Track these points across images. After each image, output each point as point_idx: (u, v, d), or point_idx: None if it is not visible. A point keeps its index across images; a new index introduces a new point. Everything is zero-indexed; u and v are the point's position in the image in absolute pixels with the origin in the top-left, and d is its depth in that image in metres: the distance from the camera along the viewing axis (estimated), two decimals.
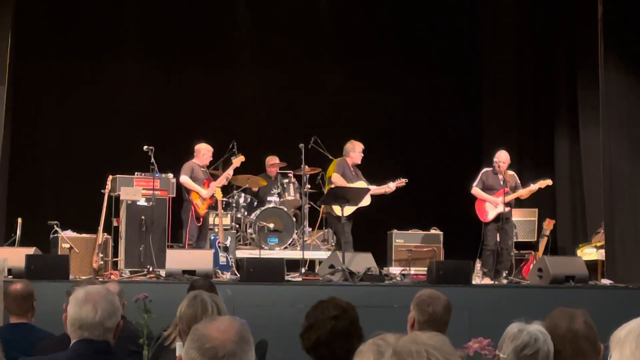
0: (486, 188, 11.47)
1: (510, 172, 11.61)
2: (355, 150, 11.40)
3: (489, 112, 15.06)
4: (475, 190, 11.47)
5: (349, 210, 11.03)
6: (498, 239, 11.36)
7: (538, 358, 3.25)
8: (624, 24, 11.61)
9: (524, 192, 11.52)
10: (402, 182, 11.46)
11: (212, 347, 2.39)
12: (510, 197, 11.37)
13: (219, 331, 2.43)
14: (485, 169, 11.68)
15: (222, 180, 11.43)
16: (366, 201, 11.21)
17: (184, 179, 11.17)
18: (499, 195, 11.35)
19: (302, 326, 4.04)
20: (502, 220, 11.29)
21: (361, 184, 11.26)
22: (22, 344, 5.11)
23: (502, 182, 11.40)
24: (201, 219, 11.20)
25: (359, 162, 11.43)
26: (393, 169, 12.20)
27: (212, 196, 11.27)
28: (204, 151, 11.39)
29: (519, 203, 12.98)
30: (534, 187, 11.50)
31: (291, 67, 14.63)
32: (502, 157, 11.50)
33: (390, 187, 11.41)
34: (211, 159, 11.54)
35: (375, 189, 11.33)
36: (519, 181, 11.63)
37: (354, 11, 15.00)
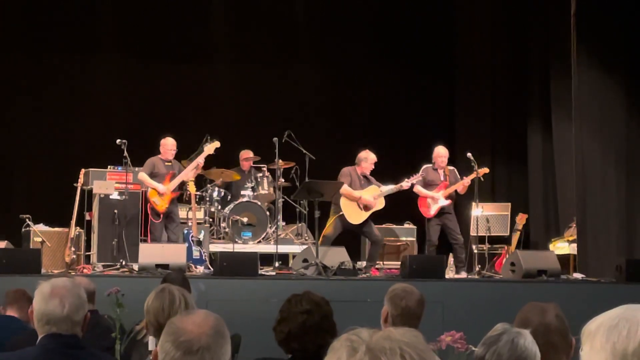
0: (427, 184, 11.57)
1: (450, 168, 11.77)
2: (367, 161, 11.30)
3: (463, 107, 15.11)
4: (417, 188, 11.53)
5: (362, 217, 11.12)
6: (454, 238, 11.47)
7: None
8: (597, 19, 11.68)
9: (458, 186, 11.57)
10: (418, 176, 11.42)
11: (186, 340, 2.39)
12: (448, 191, 11.48)
13: (194, 325, 2.43)
14: (425, 166, 11.75)
15: (189, 171, 11.22)
16: (380, 204, 11.24)
17: (141, 175, 11.07)
18: (439, 190, 11.51)
19: (275, 319, 4.05)
20: (446, 216, 11.44)
21: (373, 189, 11.22)
22: (6, 334, 5.14)
23: (442, 177, 11.57)
24: (161, 215, 11.10)
25: (368, 173, 11.37)
26: None
27: (175, 190, 11.14)
28: (169, 146, 11.22)
29: (492, 198, 13.09)
30: (467, 179, 11.54)
31: (265, 61, 14.62)
32: (440, 152, 11.67)
33: (404, 186, 11.31)
34: (175, 150, 11.34)
35: (389, 189, 11.29)
36: (458, 176, 11.73)
37: (328, 6, 14.99)
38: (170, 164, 11.27)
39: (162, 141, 11.32)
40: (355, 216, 11.14)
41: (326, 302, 4.08)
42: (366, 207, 11.17)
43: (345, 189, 11.05)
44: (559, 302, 3.66)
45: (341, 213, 11.07)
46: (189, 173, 11.25)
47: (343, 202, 11.07)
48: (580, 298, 9.10)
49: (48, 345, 3.43)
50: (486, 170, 11.84)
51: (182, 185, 11.53)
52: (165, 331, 2.46)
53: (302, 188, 11.02)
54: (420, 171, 11.64)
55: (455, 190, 11.60)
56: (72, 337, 3.46)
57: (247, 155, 12.79)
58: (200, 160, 11.28)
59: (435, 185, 11.58)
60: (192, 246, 11.03)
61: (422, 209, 11.59)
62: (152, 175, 11.08)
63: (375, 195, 11.18)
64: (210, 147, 11.30)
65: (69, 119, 13.67)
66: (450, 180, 11.60)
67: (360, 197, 11.10)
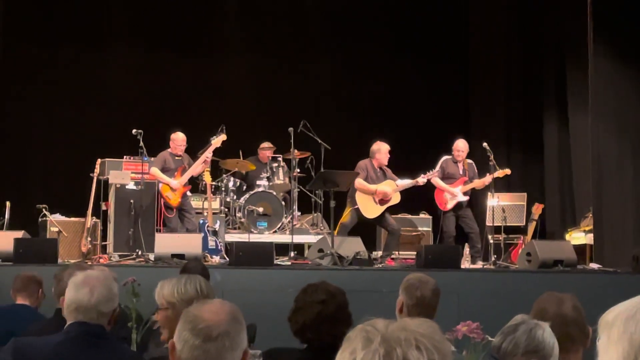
0: (445, 177, 11.54)
1: (469, 161, 11.75)
2: (381, 152, 11.25)
3: (478, 97, 15.08)
4: (435, 180, 11.48)
5: (377, 211, 11.08)
6: (470, 227, 11.47)
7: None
8: (614, 10, 11.60)
9: (478, 184, 11.58)
10: (434, 173, 11.35)
11: (206, 327, 2.44)
12: (467, 187, 11.51)
13: (211, 312, 2.48)
14: (445, 157, 11.70)
15: (198, 165, 11.32)
16: (396, 199, 11.22)
17: (153, 170, 11.13)
18: (458, 184, 11.49)
19: (290, 309, 4.05)
20: (461, 208, 11.45)
21: (389, 183, 11.19)
22: (20, 323, 5.19)
23: (461, 171, 11.53)
24: (175, 209, 11.17)
25: (386, 163, 11.34)
26: None
27: (186, 184, 11.22)
28: (179, 141, 11.30)
29: (508, 188, 13.06)
30: (487, 178, 11.52)
31: (280, 51, 14.62)
32: (460, 146, 11.62)
33: (420, 182, 11.22)
34: (185, 145, 11.41)
35: (405, 184, 11.25)
36: (476, 170, 11.74)
37: None
38: (180, 158, 11.33)
39: (172, 136, 11.36)
40: (371, 210, 11.11)
41: (342, 292, 4.08)
42: (382, 201, 11.14)
43: (360, 182, 11.02)
44: (575, 292, 3.66)
45: (356, 207, 11.05)
46: (197, 167, 11.32)
47: (358, 196, 11.05)
48: (596, 288, 9.05)
49: (72, 332, 3.46)
50: (507, 171, 11.76)
51: (198, 176, 11.61)
52: (182, 320, 2.49)
53: (317, 178, 11.02)
54: (440, 162, 11.60)
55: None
56: (97, 327, 3.49)
57: (266, 146, 12.76)
58: (208, 154, 11.34)
59: (454, 179, 11.54)
60: (207, 236, 11.05)
61: (439, 202, 11.55)
62: (163, 170, 11.15)
63: (392, 189, 11.16)
64: (218, 141, 11.34)
65: (85, 109, 13.70)
66: (469, 174, 11.57)
67: (375, 190, 11.07)
